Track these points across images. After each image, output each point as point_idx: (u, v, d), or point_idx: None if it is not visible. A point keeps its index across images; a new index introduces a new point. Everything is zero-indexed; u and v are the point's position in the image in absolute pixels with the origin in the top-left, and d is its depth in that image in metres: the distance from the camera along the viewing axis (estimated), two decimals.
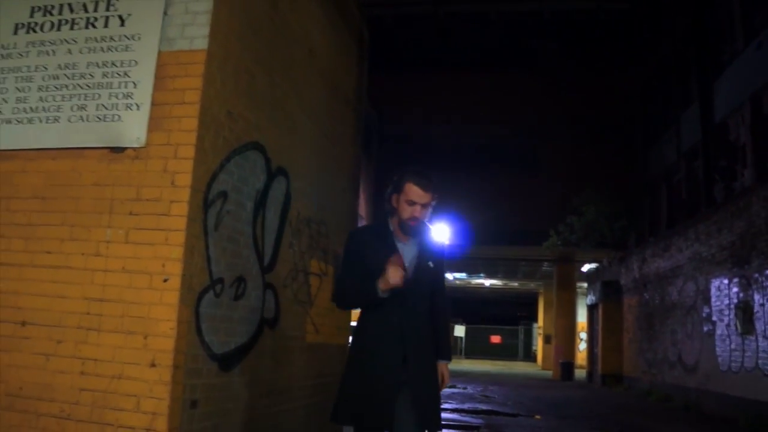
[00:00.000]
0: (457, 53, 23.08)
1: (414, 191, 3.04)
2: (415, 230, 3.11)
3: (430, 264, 3.17)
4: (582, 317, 27.91)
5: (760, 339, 10.18)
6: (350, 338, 3.31)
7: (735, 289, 11.34)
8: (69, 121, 4.05)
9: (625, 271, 19.65)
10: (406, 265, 2.98)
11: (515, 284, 36.57)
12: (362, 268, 3.05)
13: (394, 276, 2.87)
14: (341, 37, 6.93)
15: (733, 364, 11.25)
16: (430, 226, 3.27)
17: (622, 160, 21.13)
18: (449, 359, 3.32)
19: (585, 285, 25.82)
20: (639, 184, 20.26)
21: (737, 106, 13.30)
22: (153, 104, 3.91)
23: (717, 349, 12.03)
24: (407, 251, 3.11)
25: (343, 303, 3.25)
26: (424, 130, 23.18)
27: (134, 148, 3.88)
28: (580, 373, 24.12)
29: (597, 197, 19.70)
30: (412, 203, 3.04)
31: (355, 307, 3.22)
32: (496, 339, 44.44)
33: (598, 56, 21.81)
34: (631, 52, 20.89)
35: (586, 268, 24.20)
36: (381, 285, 2.90)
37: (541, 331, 33.89)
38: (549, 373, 26.46)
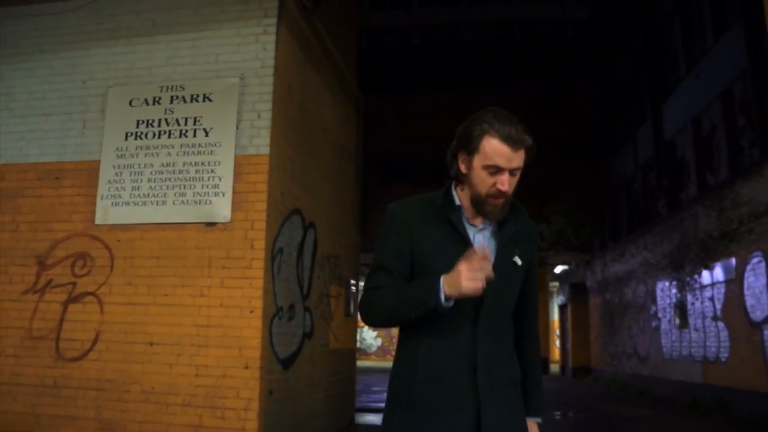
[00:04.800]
0: (433, 73, 25.06)
1: (498, 150, 1.84)
2: (499, 211, 1.94)
3: (518, 261, 2.00)
4: (556, 315, 29.93)
5: (692, 331, 12.27)
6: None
7: (674, 290, 13.44)
8: (173, 204, 5.90)
9: (590, 274, 21.69)
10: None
11: None
12: (407, 265, 1.96)
13: (471, 278, 1.73)
14: (344, 108, 8.82)
15: (673, 354, 13.36)
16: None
17: (587, 171, 22.95)
18: (543, 416, 2.12)
19: (557, 284, 27.83)
20: (602, 192, 22.10)
21: (682, 127, 15.05)
22: (234, 192, 5.77)
23: (662, 341, 14.14)
24: (482, 239, 1.98)
25: (375, 317, 1.95)
26: (404, 148, 24.81)
27: (223, 223, 5.74)
28: (556, 368, 26.11)
29: (564, 207, 21.52)
30: (495, 170, 1.86)
31: (392, 324, 1.97)
32: None
33: (565, 74, 23.86)
34: (595, 71, 22.88)
35: (558, 269, 26.21)
36: (446, 288, 1.77)
37: None
38: None
